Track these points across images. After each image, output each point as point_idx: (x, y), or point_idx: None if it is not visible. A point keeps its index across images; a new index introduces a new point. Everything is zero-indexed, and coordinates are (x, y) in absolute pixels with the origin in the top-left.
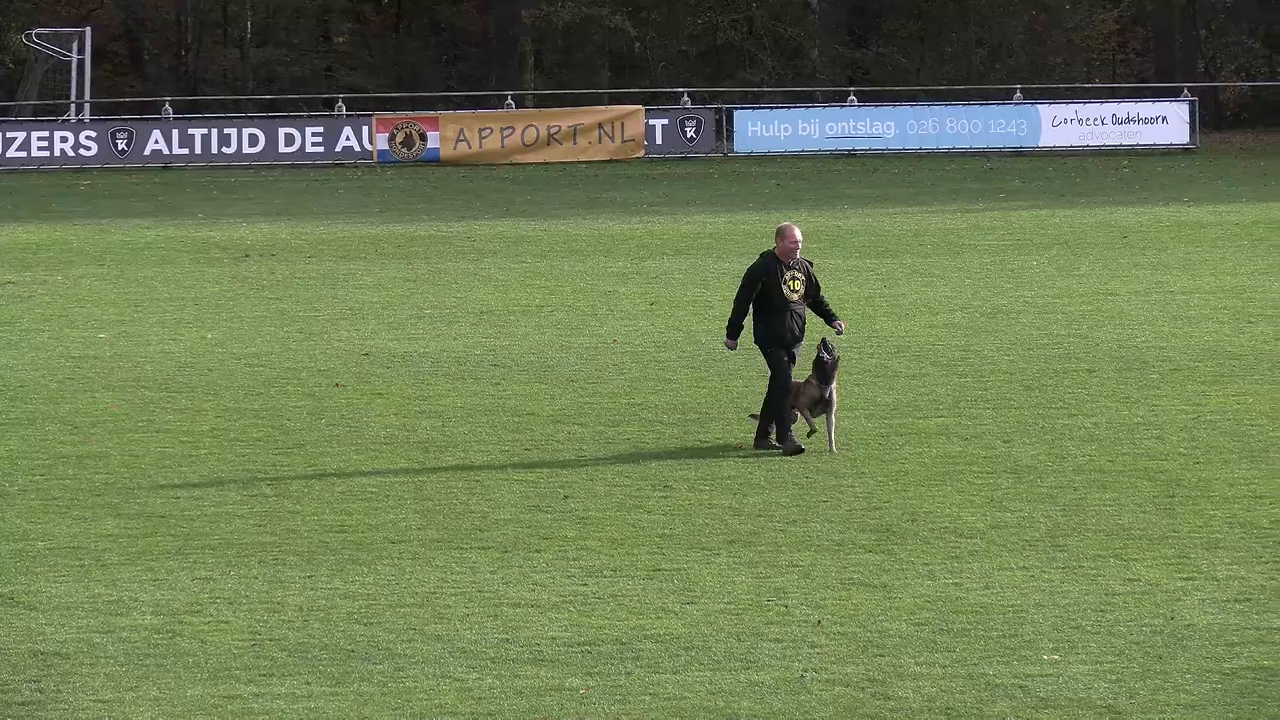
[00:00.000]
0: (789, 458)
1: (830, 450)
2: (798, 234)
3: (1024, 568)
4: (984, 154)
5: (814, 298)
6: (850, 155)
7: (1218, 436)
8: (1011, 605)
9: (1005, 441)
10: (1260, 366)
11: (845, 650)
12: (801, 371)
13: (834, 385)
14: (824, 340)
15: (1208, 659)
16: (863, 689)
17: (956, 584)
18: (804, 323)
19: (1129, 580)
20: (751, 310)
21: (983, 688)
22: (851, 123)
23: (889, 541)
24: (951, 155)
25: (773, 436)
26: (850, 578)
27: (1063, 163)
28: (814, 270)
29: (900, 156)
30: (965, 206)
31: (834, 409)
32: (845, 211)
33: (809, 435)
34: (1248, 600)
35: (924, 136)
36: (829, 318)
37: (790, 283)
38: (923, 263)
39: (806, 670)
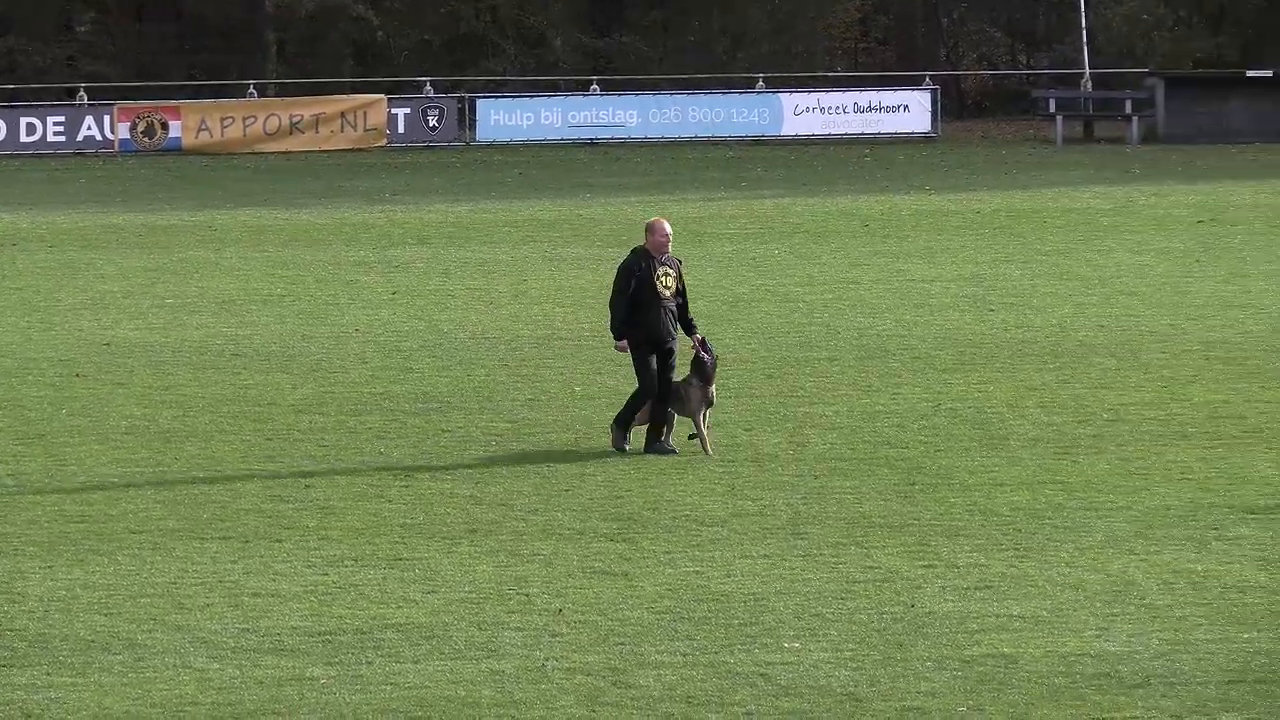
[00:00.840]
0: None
1: (706, 453)
2: (668, 228)
3: (765, 555)
4: (726, 142)
5: (681, 299)
6: (593, 144)
7: (958, 424)
8: (753, 593)
9: (747, 430)
10: (1000, 355)
11: (586, 639)
12: (678, 369)
13: (713, 388)
14: (703, 340)
15: (948, 646)
16: (604, 677)
17: (698, 572)
18: (677, 321)
19: (869, 568)
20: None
21: (724, 675)
22: (594, 112)
23: (630, 530)
24: (694, 144)
25: (664, 437)
26: (592, 566)
27: (805, 151)
28: (683, 270)
29: (643, 145)
30: (707, 195)
31: (711, 409)
32: (588, 200)
33: (689, 438)
34: (988, 587)
35: (666, 125)
36: (688, 327)
37: (663, 279)
38: None
39: (548, 659)
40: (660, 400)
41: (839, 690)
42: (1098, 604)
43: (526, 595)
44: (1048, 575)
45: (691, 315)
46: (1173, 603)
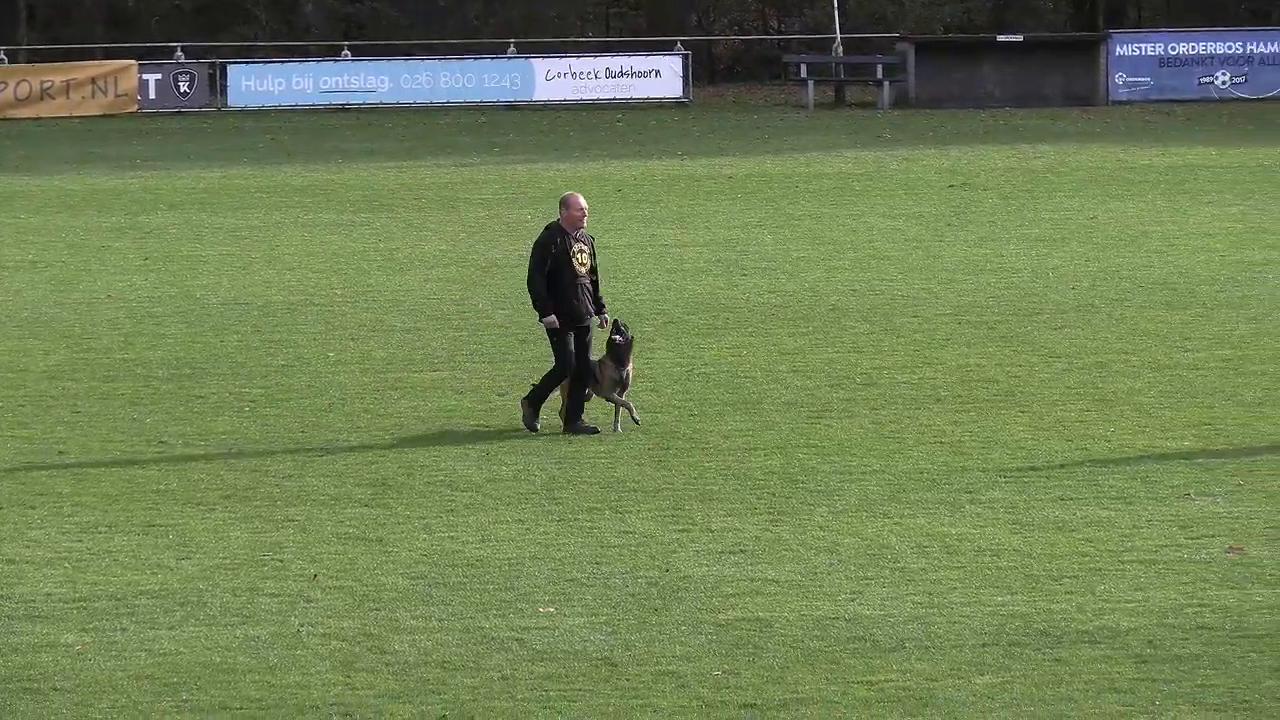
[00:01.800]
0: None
1: (634, 421)
2: (583, 202)
3: (520, 521)
4: (479, 108)
5: (595, 275)
6: (344, 110)
7: (712, 388)
8: (508, 558)
9: (500, 395)
10: (753, 319)
11: (342, 604)
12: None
13: (630, 368)
14: (616, 322)
15: (703, 610)
16: (359, 643)
17: (453, 537)
18: (595, 297)
19: (624, 533)
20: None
21: (479, 641)
22: (346, 77)
23: (385, 495)
24: (446, 109)
25: (584, 418)
26: (346, 532)
27: (557, 116)
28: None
29: (395, 111)
30: (460, 160)
31: (628, 390)
32: (340, 165)
33: (607, 422)
34: (742, 551)
35: (418, 90)
36: (598, 306)
37: (578, 255)
38: (417, 216)
39: (303, 625)
40: (578, 380)
41: (594, 655)
42: (852, 567)
43: (281, 561)
44: (802, 539)
45: (602, 294)
46: (926, 566)
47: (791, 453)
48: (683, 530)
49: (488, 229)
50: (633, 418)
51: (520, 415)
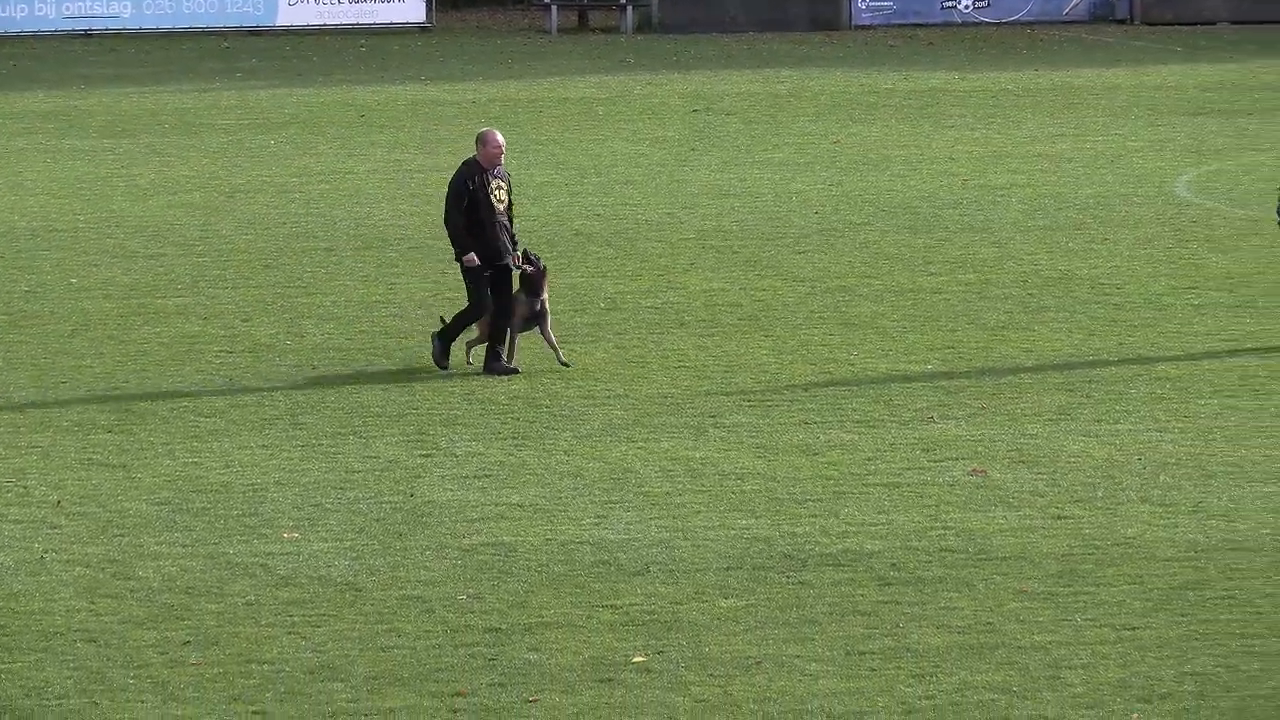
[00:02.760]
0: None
1: (561, 363)
2: (501, 139)
3: (264, 446)
4: (221, 33)
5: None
6: (87, 35)
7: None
8: (252, 484)
9: (244, 320)
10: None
11: (85, 530)
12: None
13: (545, 296)
14: (525, 251)
15: (448, 535)
16: (103, 569)
17: (197, 463)
18: (513, 236)
19: (369, 458)
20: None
21: (223, 566)
22: (88, 3)
23: (129, 421)
24: (189, 35)
25: (504, 358)
26: (90, 458)
27: (300, 42)
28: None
29: (137, 36)
30: (202, 86)
31: (548, 321)
32: (83, 92)
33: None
34: (487, 476)
35: (161, 16)
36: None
37: (496, 192)
38: (160, 142)
39: (46, 551)
40: (498, 318)
41: (339, 580)
42: (596, 492)
43: (24, 488)
44: (546, 464)
45: (515, 230)
46: (671, 490)
47: (536, 378)
48: (427, 455)
49: (231, 154)
50: (559, 359)
51: (430, 352)
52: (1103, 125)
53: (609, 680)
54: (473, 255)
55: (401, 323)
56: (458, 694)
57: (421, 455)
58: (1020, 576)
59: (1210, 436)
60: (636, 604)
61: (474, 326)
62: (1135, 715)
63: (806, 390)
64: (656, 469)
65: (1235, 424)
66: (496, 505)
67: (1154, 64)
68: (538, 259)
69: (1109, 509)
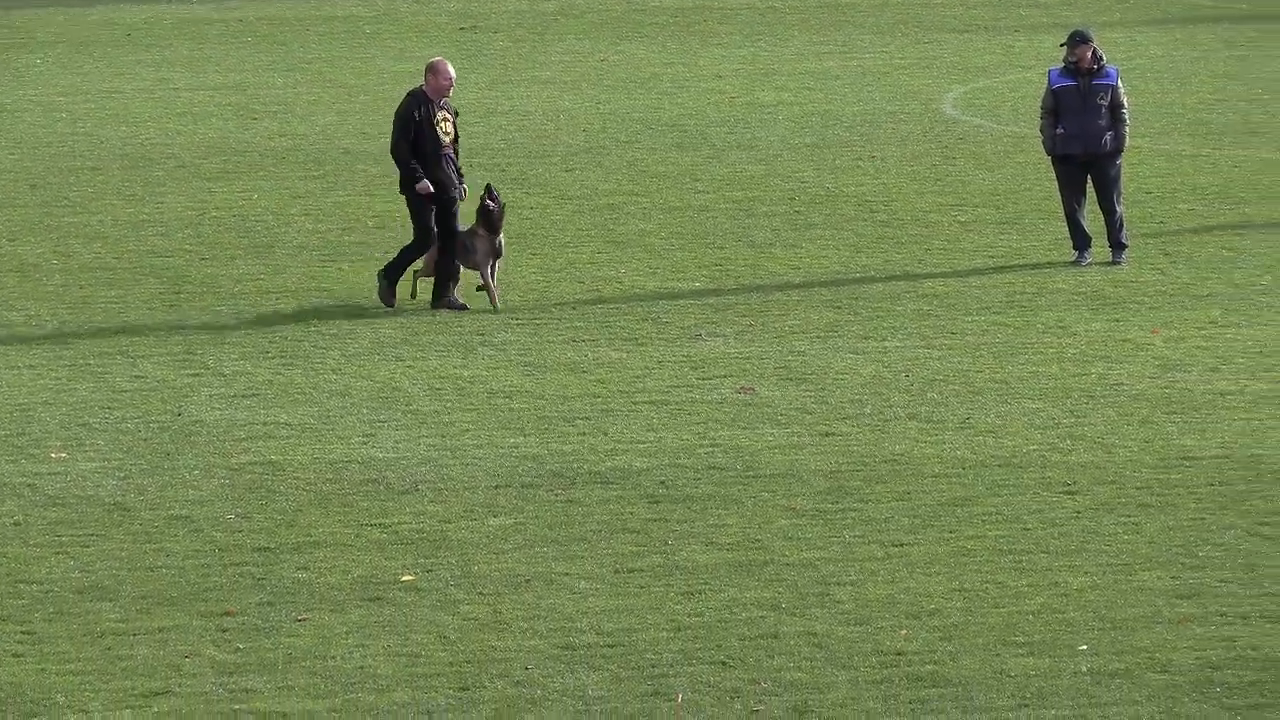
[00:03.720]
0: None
1: (495, 307)
2: (451, 70)
3: (30, 366)
4: None
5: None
6: None
7: (224, 232)
8: (18, 404)
9: (11, 240)
10: (265, 162)
11: None
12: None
13: (500, 236)
14: (489, 186)
15: (215, 454)
16: None
17: None
18: (460, 170)
19: (136, 377)
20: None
21: None
22: None
23: None
24: None
25: (453, 291)
26: None
27: None
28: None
29: None
30: None
31: (501, 258)
32: None
33: (479, 290)
34: (255, 395)
35: None
36: (457, 175)
37: (442, 124)
38: None
39: None
40: (445, 253)
41: (106, 500)
42: (364, 410)
43: None
44: (314, 382)
45: (460, 163)
46: (439, 409)
47: (304, 296)
48: (195, 375)
49: None
50: (492, 302)
51: (376, 289)
52: (870, 42)
53: (378, 599)
54: (426, 183)
55: (169, 241)
56: (226, 613)
57: (189, 375)
58: (788, 494)
59: (978, 353)
60: (405, 523)
61: (420, 260)
62: (904, 631)
63: (574, 308)
64: (425, 387)
65: (1002, 341)
66: (264, 424)
67: None
68: (498, 195)
69: (877, 426)
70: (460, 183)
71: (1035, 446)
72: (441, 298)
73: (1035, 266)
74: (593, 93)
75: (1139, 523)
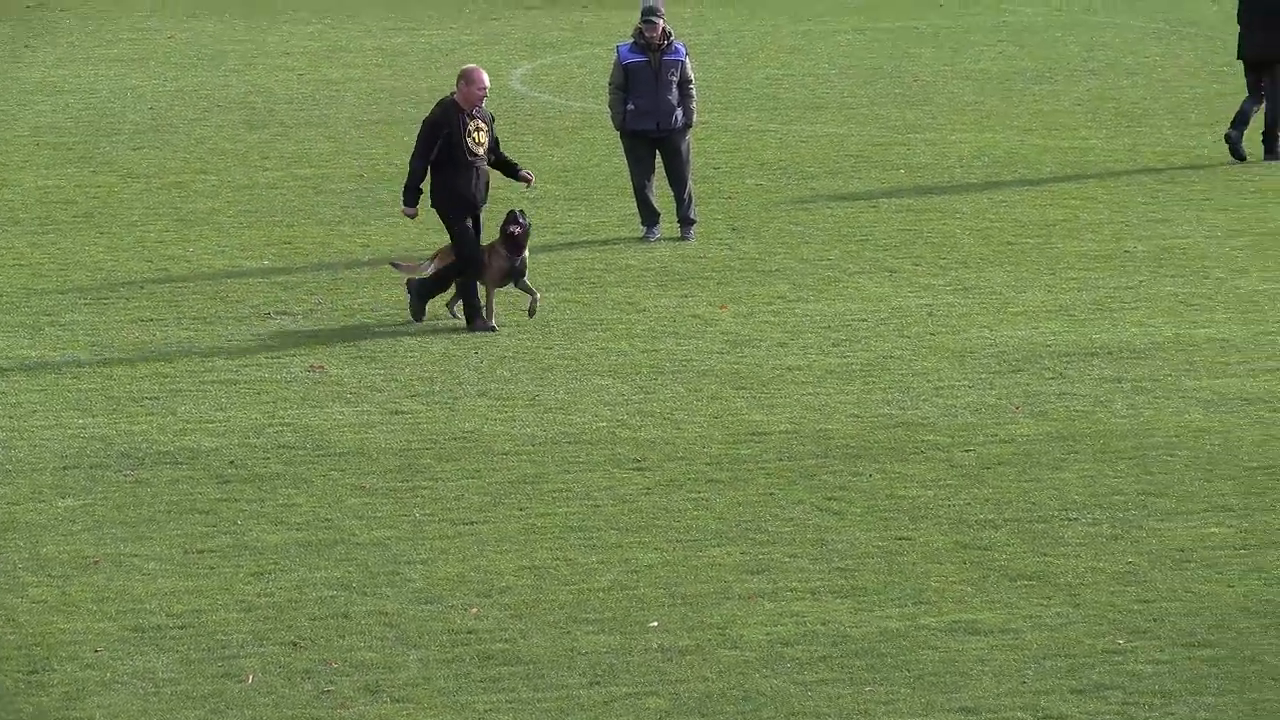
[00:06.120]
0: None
1: (531, 316)
2: (486, 79)
3: None
4: None
5: (495, 153)
6: None
7: None
8: None
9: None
10: None
11: None
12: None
13: (525, 254)
14: (515, 211)
15: None
16: None
17: None
18: (489, 182)
19: None
20: (430, 169)
21: None
22: None
23: None
24: None
25: (483, 314)
26: None
27: None
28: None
29: None
30: None
31: (525, 276)
32: None
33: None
34: None
35: None
36: (512, 169)
37: (475, 135)
38: None
39: None
40: (464, 265)
41: None
42: None
43: None
44: None
45: (510, 157)
46: (7, 389)
47: None
48: None
49: None
50: (533, 306)
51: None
52: (437, 19)
53: None
54: (414, 210)
55: None
56: None
57: None
58: (359, 472)
59: (547, 330)
60: None
61: (429, 266)
62: (474, 609)
63: (143, 287)
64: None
65: (571, 317)
66: None
67: None
68: (524, 216)
69: (447, 403)
70: (519, 173)
71: (605, 423)
72: (477, 317)
73: (605, 243)
74: (160, 70)
75: (708, 499)
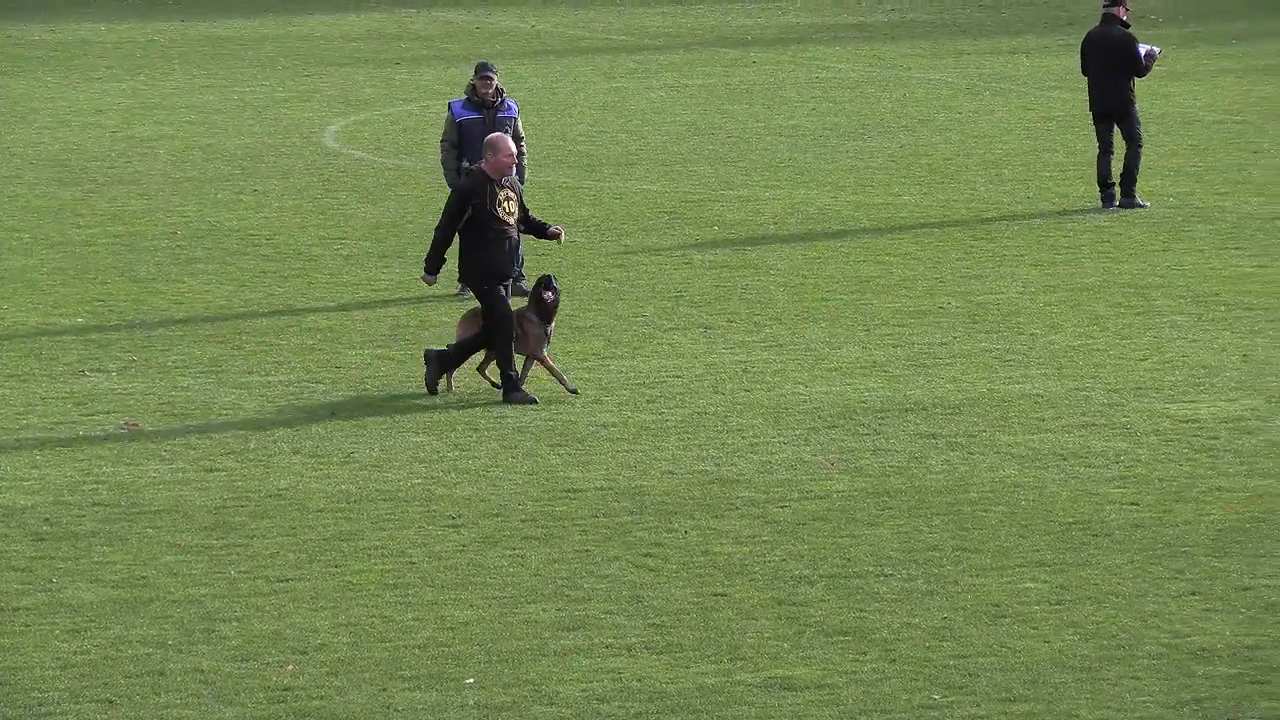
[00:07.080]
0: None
1: (570, 390)
2: (511, 146)
3: None
4: None
5: (525, 221)
6: None
7: None
8: None
9: None
10: None
11: None
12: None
13: (551, 324)
14: (548, 277)
15: None
16: None
17: None
18: (520, 249)
19: None
20: (457, 240)
21: None
22: None
23: None
24: None
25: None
26: None
27: None
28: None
29: None
30: None
31: (546, 345)
32: None
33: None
34: None
35: None
36: (540, 230)
37: (505, 204)
38: None
39: None
40: (488, 335)
41: None
42: None
43: None
44: None
45: (536, 218)
46: None
47: None
48: None
49: None
50: (567, 386)
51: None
52: (250, 75)
53: None
54: (434, 279)
55: None
56: None
57: None
58: (174, 529)
59: (363, 386)
60: None
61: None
62: (290, 667)
63: None
64: None
65: (386, 374)
66: None
67: (302, 15)
68: (556, 285)
69: (261, 461)
70: (548, 231)
71: (420, 480)
72: (441, 365)
73: (420, 300)
74: None
75: (524, 555)
